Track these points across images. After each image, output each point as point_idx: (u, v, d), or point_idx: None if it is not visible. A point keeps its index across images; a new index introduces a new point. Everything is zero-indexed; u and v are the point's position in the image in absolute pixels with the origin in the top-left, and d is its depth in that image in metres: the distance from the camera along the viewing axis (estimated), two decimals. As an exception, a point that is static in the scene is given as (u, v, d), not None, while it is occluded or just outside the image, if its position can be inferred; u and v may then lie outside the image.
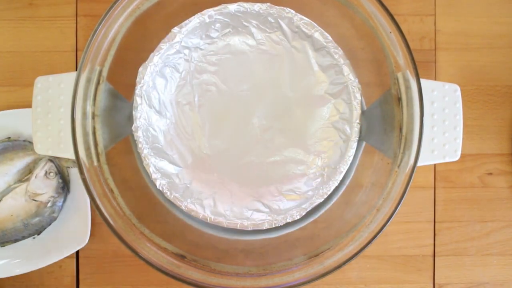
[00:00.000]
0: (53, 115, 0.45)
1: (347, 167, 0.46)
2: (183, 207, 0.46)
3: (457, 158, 0.45)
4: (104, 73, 0.45)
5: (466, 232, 0.57)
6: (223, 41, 0.49)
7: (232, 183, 0.48)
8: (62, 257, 0.54)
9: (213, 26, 0.48)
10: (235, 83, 0.49)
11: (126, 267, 0.56)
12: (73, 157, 0.43)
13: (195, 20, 0.46)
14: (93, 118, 0.44)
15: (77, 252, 0.56)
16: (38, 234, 0.55)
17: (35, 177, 0.53)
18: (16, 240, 0.54)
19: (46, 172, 0.53)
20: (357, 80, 0.47)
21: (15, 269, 0.54)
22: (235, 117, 0.49)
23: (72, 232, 0.55)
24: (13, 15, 0.56)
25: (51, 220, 0.55)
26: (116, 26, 0.45)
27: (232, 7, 0.46)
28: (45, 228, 0.55)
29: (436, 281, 0.56)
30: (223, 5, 0.46)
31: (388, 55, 0.44)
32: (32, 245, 0.55)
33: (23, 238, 0.54)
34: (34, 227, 0.54)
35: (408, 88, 0.43)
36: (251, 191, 0.48)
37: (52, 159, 0.54)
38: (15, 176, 0.54)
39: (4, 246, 0.54)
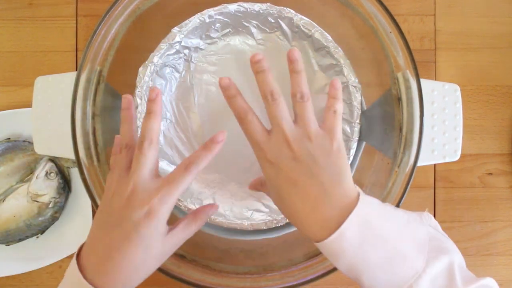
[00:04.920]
0: (53, 115, 0.45)
1: (347, 167, 0.46)
2: (183, 207, 0.46)
3: (457, 158, 0.45)
4: (104, 73, 0.45)
5: (466, 232, 0.57)
6: (223, 41, 0.49)
7: (232, 183, 0.48)
8: (65, 255, 0.54)
9: (213, 26, 0.48)
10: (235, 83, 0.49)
11: (126, 267, 0.56)
12: (73, 157, 0.43)
13: (195, 20, 0.46)
14: (93, 118, 0.44)
15: (77, 252, 0.56)
16: (42, 234, 0.55)
17: (36, 177, 0.53)
18: (20, 240, 0.55)
19: (46, 173, 0.53)
20: (357, 80, 0.47)
21: (18, 268, 0.54)
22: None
23: (74, 230, 0.55)
24: (13, 15, 0.56)
25: (54, 220, 0.55)
26: (116, 26, 0.45)
27: (232, 7, 0.46)
28: (48, 228, 0.55)
29: (436, 281, 0.56)
30: (223, 5, 0.46)
31: (388, 55, 0.44)
32: (35, 244, 0.55)
33: (27, 237, 0.55)
34: (37, 227, 0.54)
35: (408, 88, 0.43)
36: (251, 191, 0.48)
37: (52, 159, 0.54)
38: (17, 177, 0.54)
39: (9, 245, 0.55)
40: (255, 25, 0.48)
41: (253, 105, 0.49)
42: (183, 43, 0.47)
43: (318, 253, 0.45)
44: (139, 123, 0.46)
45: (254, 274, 0.44)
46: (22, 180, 0.54)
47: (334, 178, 0.35)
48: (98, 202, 0.43)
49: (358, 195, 0.35)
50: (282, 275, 0.44)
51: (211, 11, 0.46)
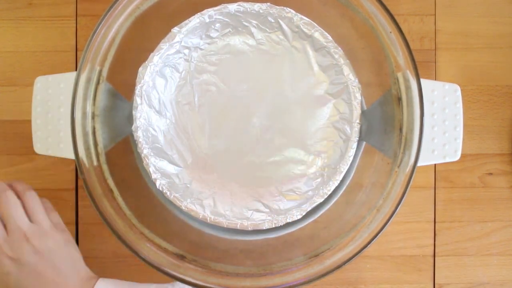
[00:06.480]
0: (53, 115, 0.45)
1: (347, 167, 0.46)
2: (183, 207, 0.46)
3: (457, 158, 0.45)
4: (104, 73, 0.45)
5: (466, 232, 0.57)
6: (223, 41, 0.49)
7: (232, 183, 0.48)
8: None
9: (213, 26, 0.48)
10: (235, 83, 0.49)
11: (126, 267, 0.56)
12: (73, 157, 0.43)
13: (195, 20, 0.46)
14: (93, 118, 0.44)
15: (77, 252, 0.56)
16: None
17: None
18: None
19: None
20: (357, 80, 0.47)
21: None
22: (235, 117, 0.49)
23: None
24: (13, 15, 0.56)
25: None
26: (116, 26, 0.45)
27: (232, 7, 0.46)
28: None
29: (436, 281, 0.56)
30: (223, 5, 0.46)
31: (388, 55, 0.44)
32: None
33: None
34: None
35: (408, 88, 0.43)
36: (251, 191, 0.48)
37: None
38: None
39: None
40: (255, 25, 0.48)
41: (254, 105, 0.49)
42: (183, 43, 0.47)
43: (318, 253, 0.45)
44: (139, 123, 0.46)
45: (254, 274, 0.44)
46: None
47: (71, 266, 0.42)
48: (98, 202, 0.43)
49: (96, 277, 0.42)
50: (282, 275, 0.44)
51: (211, 11, 0.46)
